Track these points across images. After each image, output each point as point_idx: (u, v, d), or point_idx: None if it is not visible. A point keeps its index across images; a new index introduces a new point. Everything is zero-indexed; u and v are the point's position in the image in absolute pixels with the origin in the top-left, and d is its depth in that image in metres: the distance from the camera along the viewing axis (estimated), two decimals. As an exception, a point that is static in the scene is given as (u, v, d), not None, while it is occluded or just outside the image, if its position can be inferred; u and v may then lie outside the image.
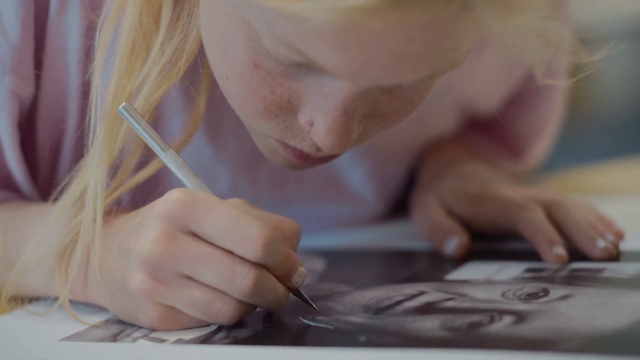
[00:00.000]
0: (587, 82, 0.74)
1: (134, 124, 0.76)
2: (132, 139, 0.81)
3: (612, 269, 0.84)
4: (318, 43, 0.65)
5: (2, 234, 0.83)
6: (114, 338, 0.74)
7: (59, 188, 0.80)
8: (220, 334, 0.73)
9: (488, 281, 0.83)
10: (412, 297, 0.79)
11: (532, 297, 0.77)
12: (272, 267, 0.73)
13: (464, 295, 0.78)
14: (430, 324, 0.71)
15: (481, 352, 0.65)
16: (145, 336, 0.74)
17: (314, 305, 0.76)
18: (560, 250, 0.88)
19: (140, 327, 0.75)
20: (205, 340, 0.72)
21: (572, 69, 0.76)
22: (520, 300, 0.76)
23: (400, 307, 0.76)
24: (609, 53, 0.72)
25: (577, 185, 1.30)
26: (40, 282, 0.81)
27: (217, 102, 0.86)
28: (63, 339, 0.75)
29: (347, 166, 1.03)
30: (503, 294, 0.78)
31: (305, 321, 0.75)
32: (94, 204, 0.77)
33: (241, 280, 0.72)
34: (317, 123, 0.72)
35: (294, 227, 0.76)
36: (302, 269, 0.75)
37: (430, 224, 0.98)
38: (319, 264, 0.94)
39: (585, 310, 0.72)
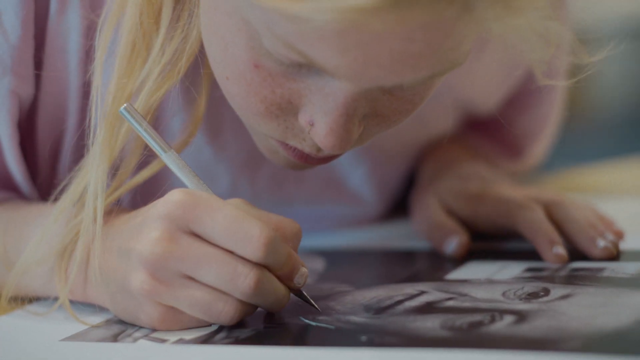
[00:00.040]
0: (586, 82, 0.74)
1: (135, 124, 0.77)
2: (133, 139, 0.81)
3: (612, 269, 0.84)
4: (318, 43, 0.65)
5: (2, 234, 0.83)
6: (115, 338, 0.74)
7: (59, 188, 0.80)
8: (222, 334, 0.73)
9: (488, 281, 0.83)
10: (412, 296, 0.79)
11: (532, 296, 0.77)
12: (274, 267, 0.73)
13: (465, 295, 0.78)
14: (431, 324, 0.71)
15: (482, 351, 0.65)
16: (146, 336, 0.74)
17: (316, 305, 0.76)
18: (561, 250, 0.88)
19: (141, 327, 0.75)
20: (207, 340, 0.72)
21: (571, 69, 0.76)
22: (520, 299, 0.76)
23: (400, 307, 0.76)
24: (609, 53, 0.72)
25: (576, 185, 1.30)
26: (40, 282, 0.81)
27: (217, 102, 0.86)
28: (64, 339, 0.75)
29: (347, 166, 1.03)
30: (503, 294, 0.78)
31: (306, 321, 0.75)
32: (94, 204, 0.77)
33: (242, 281, 0.72)
34: (318, 123, 0.72)
35: (295, 228, 0.76)
36: (303, 269, 0.75)
37: (430, 223, 0.98)
38: (319, 264, 0.94)
39: (586, 309, 0.72)
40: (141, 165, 0.81)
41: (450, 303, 0.77)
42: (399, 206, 1.10)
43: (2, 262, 0.82)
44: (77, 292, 0.79)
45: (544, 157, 1.20)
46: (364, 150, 1.01)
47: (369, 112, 0.73)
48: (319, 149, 0.75)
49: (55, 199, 0.80)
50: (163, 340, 0.73)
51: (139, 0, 0.78)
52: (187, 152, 0.85)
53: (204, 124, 0.91)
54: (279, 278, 0.74)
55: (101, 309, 0.79)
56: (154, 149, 0.77)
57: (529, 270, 0.86)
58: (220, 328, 0.74)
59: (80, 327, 0.77)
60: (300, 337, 0.73)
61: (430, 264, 0.95)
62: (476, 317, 0.72)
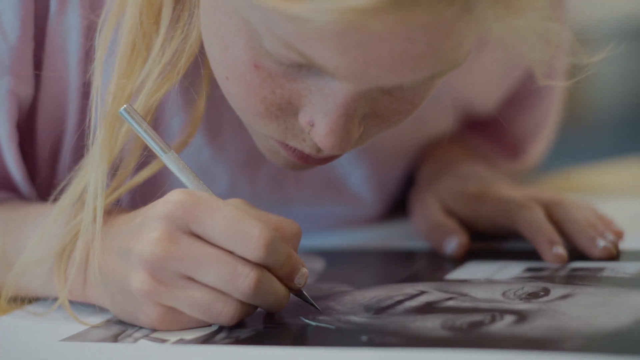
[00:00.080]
0: (585, 82, 0.74)
1: (135, 125, 0.77)
2: (132, 139, 0.81)
3: (612, 268, 0.84)
4: (318, 44, 0.65)
5: (1, 234, 0.83)
6: (115, 338, 0.74)
7: (59, 188, 0.80)
8: (222, 334, 0.73)
9: (488, 281, 0.83)
10: (412, 296, 0.79)
11: (532, 296, 0.77)
12: (274, 267, 0.73)
13: (465, 295, 0.78)
14: (431, 324, 0.71)
15: (482, 351, 0.65)
16: (146, 336, 0.74)
17: (316, 306, 0.76)
18: (560, 250, 0.88)
19: (141, 327, 0.75)
20: (207, 340, 0.72)
21: (571, 70, 0.76)
22: (520, 299, 0.76)
23: (400, 307, 0.77)
24: (608, 54, 0.72)
25: (575, 185, 1.30)
26: (39, 282, 0.81)
27: (216, 102, 0.86)
28: (64, 339, 0.75)
29: (347, 166, 1.03)
30: (503, 294, 0.78)
31: (307, 321, 0.75)
32: (93, 204, 0.77)
33: (242, 281, 0.72)
34: (318, 124, 0.72)
35: (294, 228, 0.76)
36: (304, 270, 0.75)
37: (430, 223, 0.98)
38: (318, 264, 0.94)
39: (586, 309, 0.72)
40: (141, 166, 0.81)
41: (450, 303, 0.77)
42: (398, 206, 1.10)
43: (1, 262, 0.82)
44: (77, 292, 0.79)
45: (543, 157, 1.20)
46: (363, 150, 1.01)
47: (369, 112, 0.73)
48: (319, 150, 0.75)
49: (55, 199, 0.80)
50: (163, 341, 0.73)
51: (139, 0, 0.78)
52: (187, 152, 0.85)
53: (203, 125, 0.91)
54: (279, 278, 0.74)
55: (101, 309, 0.79)
56: (154, 150, 0.77)
57: (529, 270, 0.86)
58: (221, 328, 0.74)
59: (80, 328, 0.77)
60: (301, 337, 0.73)
61: (430, 264, 0.95)
62: (476, 317, 0.72)
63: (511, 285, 0.80)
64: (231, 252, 0.72)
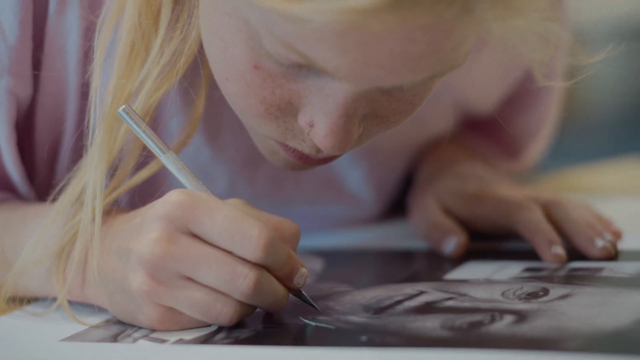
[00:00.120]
0: (583, 82, 0.74)
1: (134, 126, 0.77)
2: (131, 139, 0.81)
3: (610, 268, 0.84)
4: (318, 44, 0.65)
5: (-1, 234, 0.83)
6: (115, 338, 0.74)
7: (57, 189, 0.80)
8: (221, 334, 0.73)
9: (487, 281, 0.83)
10: (412, 296, 0.79)
11: (532, 296, 0.77)
12: (273, 267, 0.73)
13: (464, 295, 0.78)
14: (431, 324, 0.71)
15: (482, 351, 0.65)
16: (145, 336, 0.74)
17: (316, 306, 0.77)
18: (559, 250, 0.88)
19: (140, 328, 0.75)
20: (206, 340, 0.72)
21: (570, 70, 0.76)
22: (520, 299, 0.76)
23: (400, 307, 0.77)
24: (607, 55, 0.72)
25: (573, 185, 1.30)
26: (38, 282, 0.81)
27: (215, 102, 0.86)
28: (63, 340, 0.75)
29: (345, 166, 1.03)
30: (503, 294, 0.78)
31: (306, 321, 0.75)
32: (92, 204, 0.77)
33: (242, 282, 0.72)
34: (318, 124, 0.72)
35: (294, 228, 0.76)
36: (303, 270, 0.75)
37: (429, 223, 0.98)
38: (317, 264, 0.94)
39: (586, 309, 0.72)
40: (139, 166, 0.81)
41: (450, 303, 0.77)
42: (397, 206, 1.10)
43: (0, 262, 0.82)
44: (76, 292, 0.79)
45: (542, 157, 1.20)
46: (362, 150, 1.01)
47: (369, 112, 0.73)
48: (318, 150, 0.75)
49: (54, 200, 0.80)
50: (163, 341, 0.73)
51: (138, 0, 0.78)
52: (186, 152, 0.85)
53: (202, 125, 0.91)
54: (278, 279, 0.74)
55: (100, 310, 0.79)
56: (153, 151, 0.77)
57: (528, 270, 0.86)
58: (220, 328, 0.74)
59: (79, 328, 0.77)
60: (300, 337, 0.73)
61: (429, 264, 0.95)
62: (476, 317, 0.72)
63: (510, 285, 0.81)
64: (230, 253, 0.72)
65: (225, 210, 0.73)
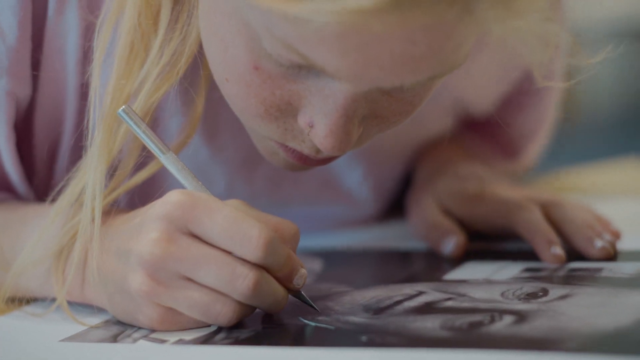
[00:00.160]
0: (582, 82, 0.75)
1: (134, 126, 0.77)
2: (130, 140, 0.81)
3: (610, 269, 0.85)
4: (319, 45, 0.65)
5: (-1, 234, 0.83)
6: (114, 339, 0.74)
7: (57, 189, 0.80)
8: (221, 335, 0.73)
9: (487, 281, 0.83)
10: (411, 297, 0.79)
11: (531, 296, 0.77)
12: (273, 268, 0.73)
13: (463, 295, 0.78)
14: (431, 324, 0.71)
15: (482, 351, 0.65)
16: (145, 337, 0.74)
17: (315, 307, 0.77)
18: (559, 250, 0.88)
19: (140, 328, 0.75)
20: (206, 340, 0.72)
21: (569, 71, 0.77)
22: (519, 300, 0.76)
23: (400, 307, 0.77)
24: (607, 55, 0.72)
25: (572, 186, 1.30)
26: (37, 283, 0.81)
27: (214, 103, 0.86)
28: (63, 340, 0.75)
29: (344, 167, 1.03)
30: (502, 294, 0.78)
31: (306, 321, 0.75)
32: (92, 205, 0.77)
33: (241, 282, 0.72)
34: (317, 125, 0.72)
35: (293, 229, 0.76)
36: (302, 271, 0.75)
37: (427, 224, 0.98)
38: (316, 265, 0.94)
39: (586, 309, 0.73)
40: (139, 166, 0.81)
41: (450, 303, 0.77)
42: (396, 206, 1.10)
43: (-1, 263, 0.82)
44: (75, 293, 0.79)
45: (540, 157, 1.20)
46: (361, 151, 1.01)
47: (369, 113, 0.73)
48: (318, 151, 0.75)
49: (53, 200, 0.80)
50: (163, 341, 0.73)
51: (138, 1, 0.78)
52: (184, 152, 0.85)
53: (201, 125, 0.91)
54: (277, 279, 0.74)
55: (99, 310, 0.78)
56: (153, 151, 0.77)
57: (527, 270, 0.86)
58: (220, 328, 0.74)
59: (79, 328, 0.77)
60: (300, 338, 0.73)
61: (428, 265, 0.95)
62: (476, 317, 0.72)
63: (510, 286, 0.81)
64: (230, 253, 0.72)
65: (225, 210, 0.73)
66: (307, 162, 0.77)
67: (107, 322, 0.77)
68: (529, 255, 0.89)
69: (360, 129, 0.73)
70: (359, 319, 0.75)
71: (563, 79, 0.95)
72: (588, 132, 3.22)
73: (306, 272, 0.75)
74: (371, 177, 1.05)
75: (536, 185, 1.26)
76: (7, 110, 0.84)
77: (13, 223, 0.84)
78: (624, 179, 1.33)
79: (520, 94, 1.09)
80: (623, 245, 0.90)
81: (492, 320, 0.71)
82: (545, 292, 0.78)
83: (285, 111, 0.73)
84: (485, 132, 1.13)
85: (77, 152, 0.82)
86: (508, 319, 0.71)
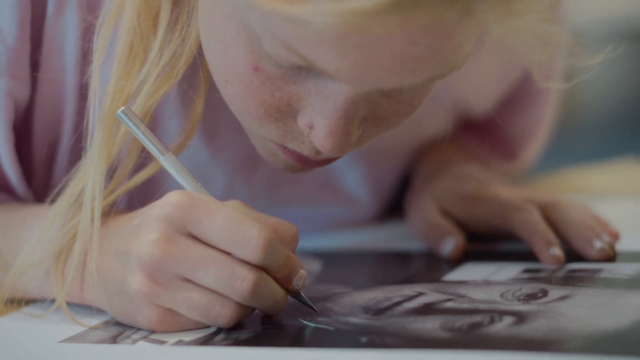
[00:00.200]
0: (580, 83, 0.75)
1: (133, 127, 0.77)
2: (130, 141, 0.81)
3: (609, 270, 0.85)
4: (319, 46, 0.65)
5: (-2, 235, 0.83)
6: (114, 340, 0.74)
7: (56, 190, 0.80)
8: (221, 336, 0.73)
9: (486, 282, 0.83)
10: (410, 298, 0.79)
11: (531, 297, 0.77)
12: (272, 269, 0.73)
13: (463, 296, 0.79)
14: (431, 325, 0.71)
15: (482, 352, 0.65)
16: (145, 338, 0.74)
17: (315, 308, 0.77)
18: (557, 251, 0.88)
19: (139, 329, 0.75)
20: (206, 341, 0.72)
21: (568, 71, 0.77)
22: (519, 301, 0.76)
23: (399, 308, 0.77)
24: (607, 56, 0.72)
25: (570, 186, 1.30)
26: (36, 284, 0.81)
27: (213, 104, 0.86)
28: (62, 341, 0.75)
29: (343, 168, 1.03)
30: (502, 295, 0.78)
31: (305, 322, 0.75)
32: (91, 206, 0.77)
33: (240, 283, 0.72)
34: (317, 126, 0.72)
35: (292, 230, 0.76)
36: (302, 272, 0.75)
37: (426, 224, 0.98)
38: (315, 266, 0.94)
39: (586, 310, 0.73)
40: (138, 168, 0.81)
41: (449, 304, 0.77)
42: (394, 207, 1.10)
43: (-1, 264, 0.82)
44: (74, 294, 0.79)
45: (538, 157, 1.20)
46: (359, 152, 1.01)
47: (368, 114, 0.73)
48: (317, 152, 0.75)
49: (52, 201, 0.80)
50: (162, 342, 0.73)
51: (137, 2, 0.78)
52: (183, 153, 0.85)
53: (200, 126, 0.91)
54: (277, 280, 0.74)
55: (98, 311, 0.78)
56: (152, 152, 0.77)
57: (526, 271, 0.86)
58: (220, 329, 0.74)
59: (78, 329, 0.77)
60: (300, 339, 0.73)
61: (427, 266, 0.95)
62: (476, 318, 0.72)
63: (509, 287, 0.81)
64: (229, 254, 0.72)
65: (224, 211, 0.73)
66: (306, 163, 0.77)
67: (106, 323, 0.77)
68: (528, 256, 0.89)
69: (359, 130, 0.73)
70: (358, 319, 0.75)
71: (562, 79, 0.95)
72: (587, 132, 3.22)
73: (305, 273, 0.75)
74: (370, 178, 1.05)
75: (535, 185, 1.26)
76: (6, 111, 0.84)
77: (12, 224, 0.84)
78: (623, 179, 1.33)
79: (519, 95, 1.09)
80: (622, 246, 0.90)
81: (492, 321, 0.72)
82: (544, 293, 0.78)
83: (284, 112, 0.73)
84: (484, 132, 1.13)
85: (76, 153, 0.82)
86: (508, 320, 0.71)
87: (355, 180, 1.04)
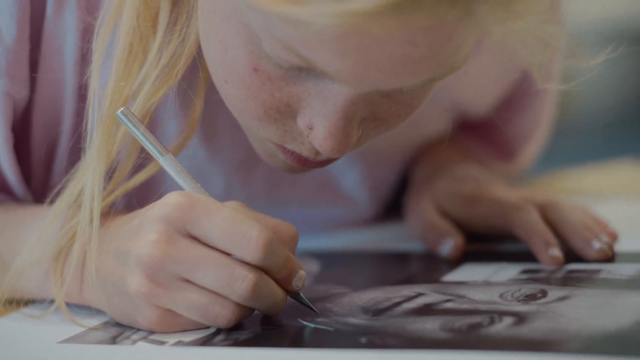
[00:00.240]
0: (578, 83, 0.75)
1: (132, 128, 0.77)
2: (129, 141, 0.81)
3: (608, 270, 0.85)
4: (319, 47, 0.65)
5: (-2, 236, 0.83)
6: (113, 340, 0.74)
7: (55, 191, 0.80)
8: (220, 336, 0.73)
9: (485, 282, 0.83)
10: (410, 298, 0.79)
11: (530, 298, 0.77)
12: (272, 269, 0.73)
13: (462, 297, 0.79)
14: (430, 325, 0.72)
15: (482, 353, 0.65)
16: (144, 338, 0.74)
17: (314, 308, 0.77)
18: (556, 252, 0.88)
19: (139, 330, 0.75)
20: (206, 342, 0.72)
21: (567, 72, 0.77)
22: (518, 301, 0.76)
23: (399, 309, 0.77)
24: (606, 57, 0.72)
25: (568, 187, 1.30)
26: (35, 284, 0.81)
27: (212, 105, 0.86)
28: (62, 342, 0.75)
29: (341, 168, 1.03)
30: (501, 295, 0.78)
31: (305, 323, 0.75)
32: (90, 206, 0.77)
33: (240, 284, 0.72)
34: (317, 127, 0.72)
35: (292, 231, 0.76)
36: (301, 272, 0.75)
37: (425, 225, 0.98)
38: (314, 266, 0.94)
39: (585, 311, 0.73)
40: (137, 168, 0.81)
41: (449, 305, 0.77)
42: (393, 208, 1.10)
43: (-2, 264, 0.82)
44: (74, 294, 0.79)
45: (537, 158, 1.20)
46: (358, 152, 1.01)
47: (368, 115, 0.73)
48: (317, 153, 0.75)
49: (51, 201, 0.80)
50: (162, 343, 0.73)
51: (136, 3, 0.78)
52: (182, 154, 0.85)
53: (199, 127, 0.91)
54: (276, 281, 0.74)
55: (97, 312, 0.78)
56: (151, 153, 0.77)
57: (525, 272, 0.86)
58: (219, 330, 0.74)
59: (77, 330, 0.77)
60: (300, 339, 0.73)
61: (426, 266, 0.95)
62: (475, 319, 0.72)
63: (508, 287, 0.81)
64: (229, 255, 0.72)
65: (224, 212, 0.73)
66: (305, 164, 0.77)
67: (105, 324, 0.77)
68: (527, 256, 0.89)
69: (359, 131, 0.73)
70: (358, 320, 0.75)
71: (561, 80, 0.95)
72: (586, 133, 3.22)
73: (305, 273, 0.75)
74: (368, 179, 1.05)
75: (534, 185, 1.26)
76: (4, 112, 0.84)
77: (11, 224, 0.84)
78: (620, 180, 1.33)
79: (517, 96, 1.09)
80: (621, 246, 0.91)
81: (492, 322, 0.72)
82: (544, 293, 0.78)
83: (284, 113, 0.73)
84: (482, 133, 1.13)
85: (76, 153, 0.82)
86: (508, 321, 0.71)
87: (354, 181, 1.04)
